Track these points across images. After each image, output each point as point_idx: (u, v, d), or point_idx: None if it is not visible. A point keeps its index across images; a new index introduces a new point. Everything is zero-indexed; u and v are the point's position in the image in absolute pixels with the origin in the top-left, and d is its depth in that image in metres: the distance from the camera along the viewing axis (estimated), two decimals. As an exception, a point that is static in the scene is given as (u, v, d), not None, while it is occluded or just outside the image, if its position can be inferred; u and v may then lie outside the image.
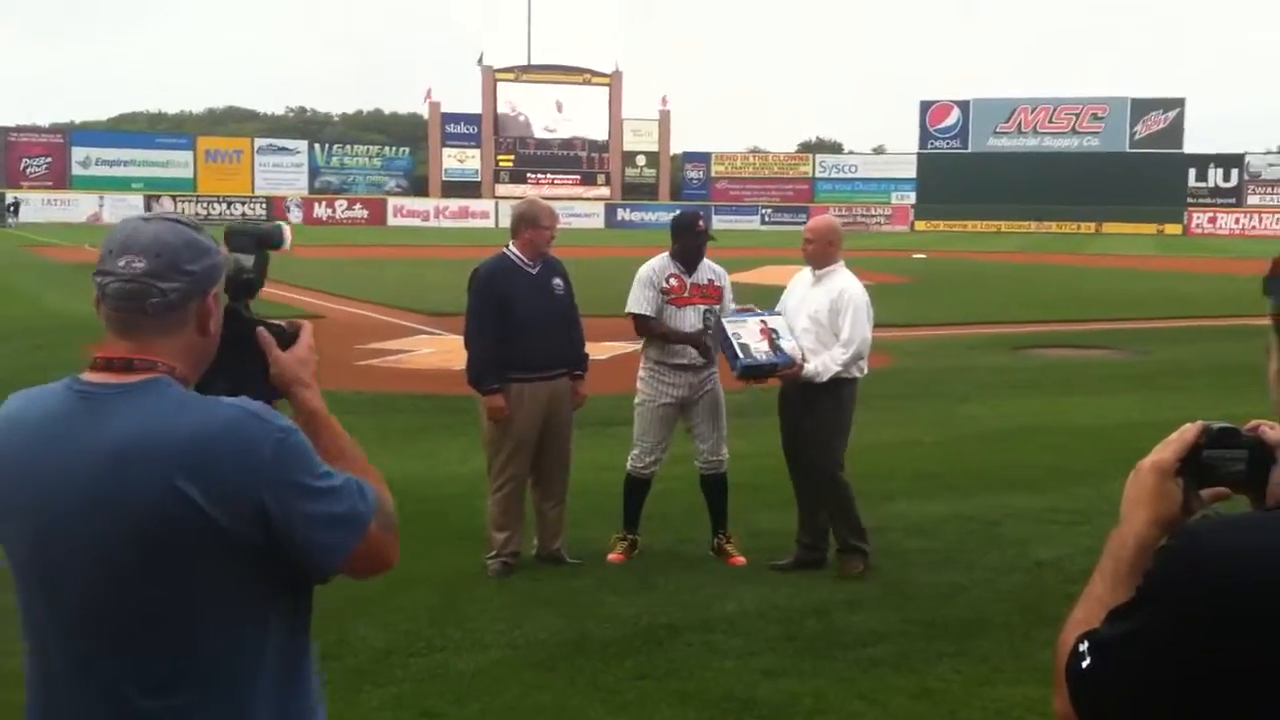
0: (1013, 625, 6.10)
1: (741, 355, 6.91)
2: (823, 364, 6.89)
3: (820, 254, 7.13)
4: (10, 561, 2.07)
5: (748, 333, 6.99)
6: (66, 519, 1.95)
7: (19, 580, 2.06)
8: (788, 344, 6.96)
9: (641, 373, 7.33)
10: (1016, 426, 11.62)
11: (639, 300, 7.22)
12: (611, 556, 7.21)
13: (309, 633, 2.16)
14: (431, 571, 6.67)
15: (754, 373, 6.99)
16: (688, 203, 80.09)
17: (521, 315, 6.88)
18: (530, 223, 7.02)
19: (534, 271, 7.01)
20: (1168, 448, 1.75)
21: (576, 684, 5.34)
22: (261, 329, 2.22)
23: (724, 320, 7.06)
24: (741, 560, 7.16)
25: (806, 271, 7.25)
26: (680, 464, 7.79)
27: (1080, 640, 1.63)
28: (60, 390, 2.03)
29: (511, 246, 7.08)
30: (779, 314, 7.16)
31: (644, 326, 7.27)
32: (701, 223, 7.41)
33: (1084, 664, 1.60)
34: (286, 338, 2.25)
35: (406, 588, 6.36)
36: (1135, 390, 13.84)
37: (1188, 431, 1.74)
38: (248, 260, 2.29)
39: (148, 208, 75.99)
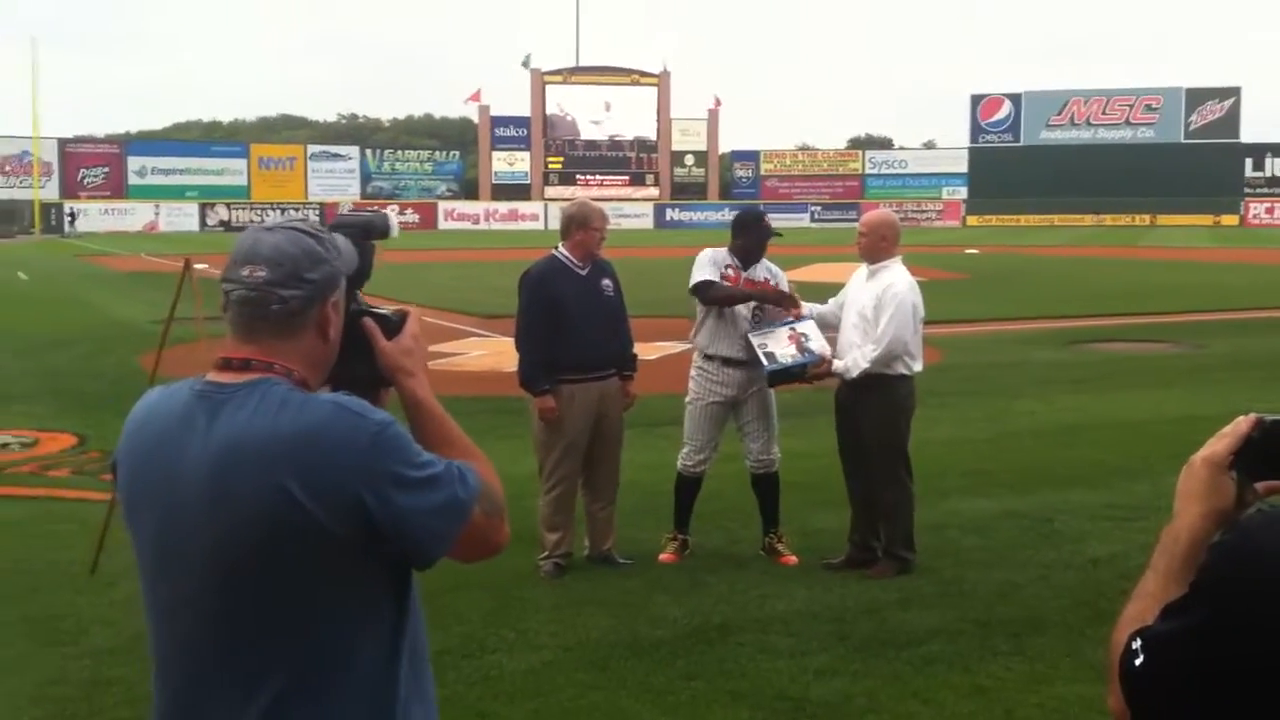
0: (1068, 623, 6.04)
1: (766, 362, 6.95)
2: (852, 360, 6.87)
3: (872, 249, 7.08)
4: (136, 553, 2.17)
5: (774, 341, 7.03)
6: (182, 515, 2.04)
7: (142, 571, 2.16)
8: (817, 345, 6.99)
9: (692, 371, 7.33)
10: (1071, 422, 11.50)
11: (701, 271, 7.15)
12: (663, 556, 7.20)
13: (407, 631, 2.17)
14: (484, 573, 6.67)
15: (781, 377, 7.02)
16: (737, 201, 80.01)
17: (572, 316, 6.89)
18: (581, 224, 7.03)
19: (584, 273, 7.03)
20: (1221, 441, 1.73)
21: (628, 685, 5.34)
22: (367, 319, 2.24)
23: (750, 335, 7.07)
24: (793, 559, 7.13)
25: (864, 268, 7.20)
26: (731, 462, 7.78)
27: (1133, 637, 1.61)
28: (185, 388, 2.11)
29: (561, 248, 7.10)
30: (810, 318, 7.14)
31: (713, 289, 7.12)
32: (767, 218, 7.42)
33: (1137, 661, 1.59)
34: (392, 326, 2.25)
35: (459, 590, 6.39)
36: (1192, 384, 13.67)
37: (1241, 424, 1.73)
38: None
39: (203, 216, 77.39)
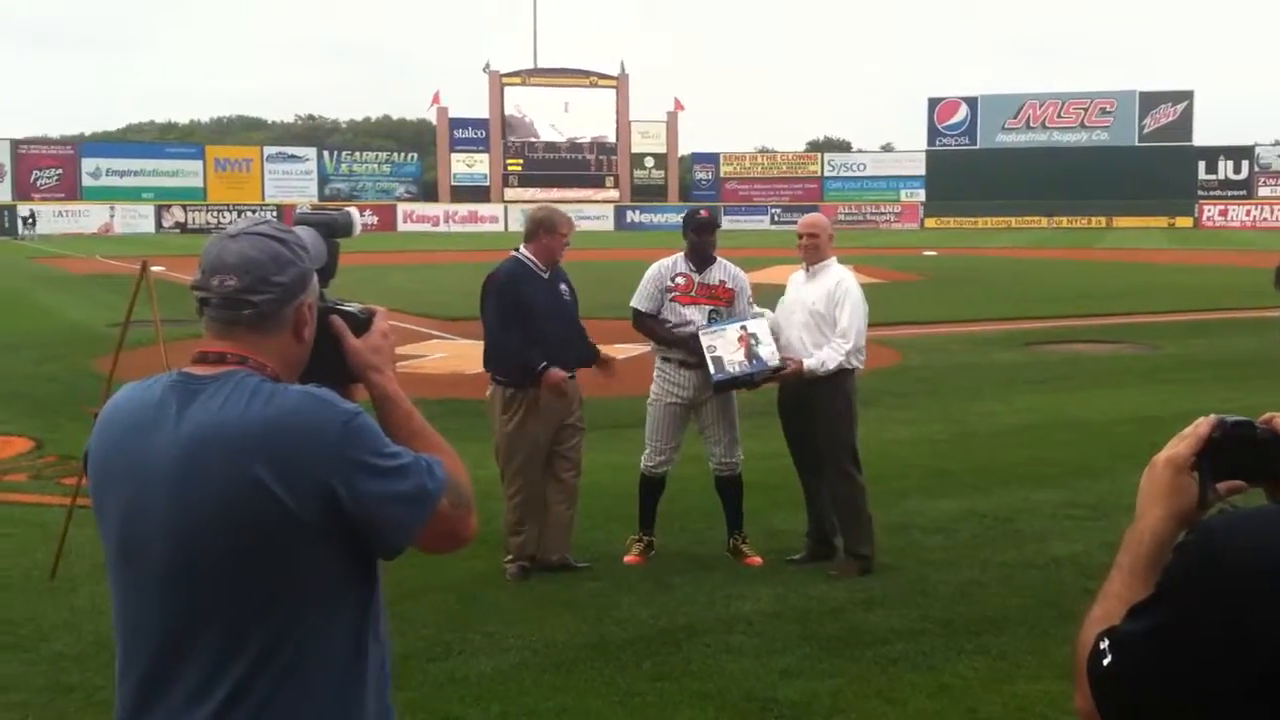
0: (1031, 621, 6.09)
1: (714, 370, 6.96)
2: (827, 355, 6.94)
3: (818, 249, 7.21)
4: (102, 535, 2.19)
5: (724, 344, 7.03)
6: (149, 498, 2.07)
7: (108, 552, 2.18)
8: (766, 349, 6.99)
9: (654, 372, 7.36)
10: (1030, 422, 11.60)
11: (639, 295, 7.34)
12: (628, 558, 7.21)
13: (374, 628, 2.20)
14: (449, 577, 6.68)
15: (728, 386, 7.04)
16: (696, 204, 79.97)
17: (537, 319, 6.89)
18: (549, 229, 7.04)
19: (546, 276, 7.04)
20: (1182, 442, 1.75)
21: (595, 686, 5.35)
22: (335, 316, 2.27)
23: (701, 334, 7.08)
24: (758, 560, 7.16)
25: (800, 271, 7.31)
26: (695, 464, 7.80)
27: (1100, 638, 1.63)
28: (161, 380, 2.15)
29: (524, 250, 7.08)
30: (762, 315, 7.16)
31: (640, 323, 7.37)
32: (704, 212, 7.48)
33: (1105, 661, 1.60)
34: (360, 324, 2.29)
35: (424, 593, 6.37)
36: (1149, 384, 13.81)
37: (1201, 425, 1.75)
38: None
39: (159, 218, 76.62)
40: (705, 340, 7.05)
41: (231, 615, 2.05)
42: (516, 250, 7.14)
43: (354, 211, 2.50)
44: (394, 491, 2.07)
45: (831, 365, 6.93)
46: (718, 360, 6.98)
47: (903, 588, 6.68)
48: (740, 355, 6.99)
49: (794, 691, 5.25)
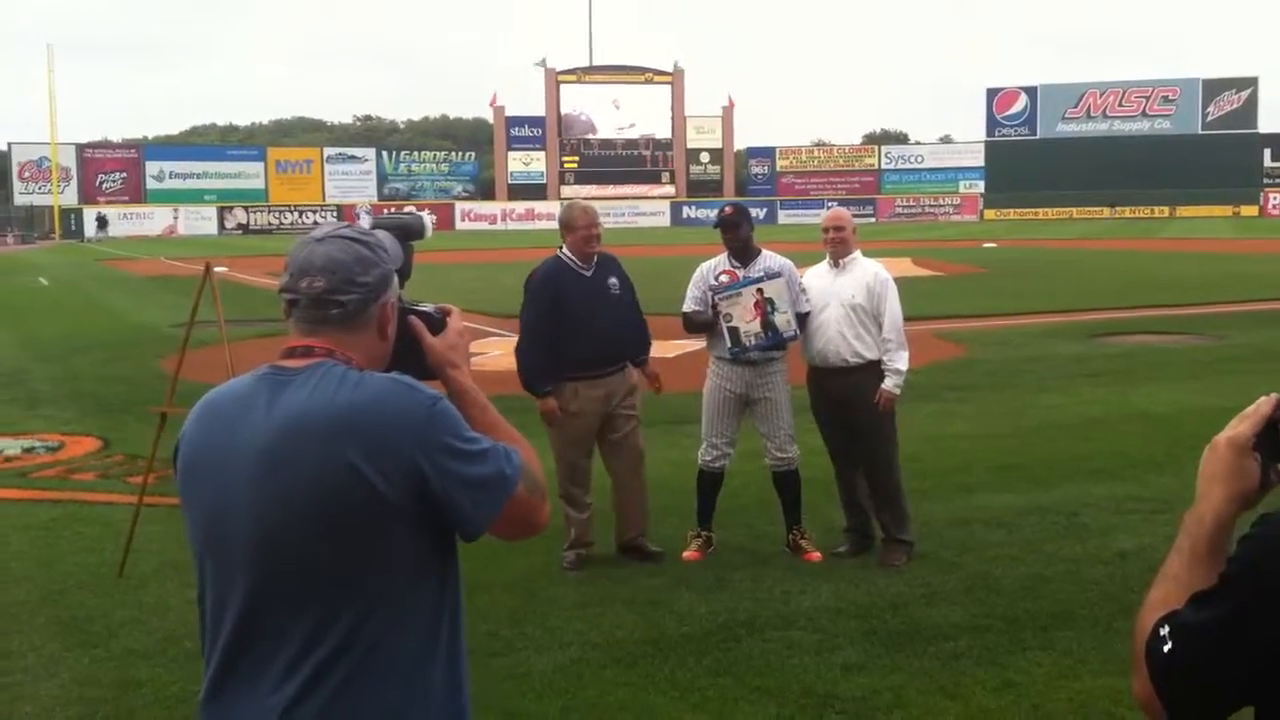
0: (1096, 616, 6.02)
1: (730, 342, 7.00)
2: (898, 365, 7.02)
3: (848, 242, 7.22)
4: (188, 523, 2.24)
5: (740, 311, 7.01)
6: (237, 485, 2.13)
7: (194, 540, 2.23)
8: (781, 318, 6.97)
9: (708, 367, 7.37)
10: (1095, 415, 11.45)
11: (687, 298, 7.34)
12: (687, 554, 7.21)
13: (446, 612, 2.24)
14: (508, 572, 6.71)
15: (745, 357, 7.05)
16: (753, 199, 79.95)
17: (576, 317, 6.92)
18: (568, 227, 7.11)
19: (588, 274, 7.05)
20: (1243, 422, 1.72)
21: (656, 681, 5.35)
22: (413, 316, 2.36)
23: (718, 298, 7.07)
24: (817, 555, 7.13)
25: (822, 265, 7.32)
26: (754, 459, 7.78)
27: (1161, 623, 1.61)
28: (253, 375, 2.23)
29: (564, 249, 7.13)
30: (780, 276, 7.07)
31: (688, 323, 7.36)
32: (728, 209, 7.34)
33: (1165, 649, 1.59)
34: (436, 323, 2.38)
35: (484, 589, 6.40)
36: (1215, 376, 13.59)
37: (1263, 405, 1.72)
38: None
39: (221, 219, 77.67)
40: (722, 307, 7.05)
41: (316, 599, 2.10)
42: (559, 249, 7.18)
43: (427, 215, 2.61)
44: (475, 474, 2.14)
45: (905, 368, 7.01)
46: (734, 331, 7.00)
47: (965, 583, 6.62)
48: (756, 326, 6.99)
49: (855, 687, 5.22)
